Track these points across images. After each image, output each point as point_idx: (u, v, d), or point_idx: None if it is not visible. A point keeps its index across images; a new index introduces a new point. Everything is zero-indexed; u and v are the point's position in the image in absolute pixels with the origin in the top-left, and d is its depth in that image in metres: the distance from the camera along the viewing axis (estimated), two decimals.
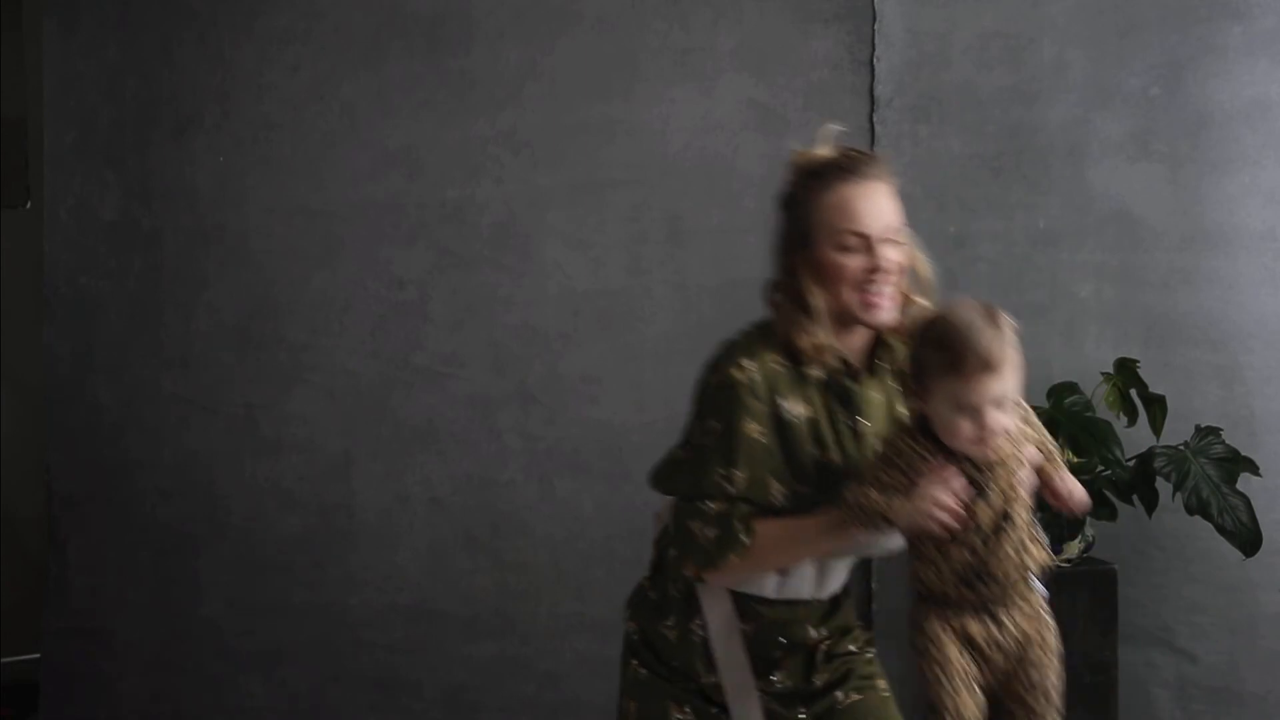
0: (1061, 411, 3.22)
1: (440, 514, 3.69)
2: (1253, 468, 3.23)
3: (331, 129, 3.71)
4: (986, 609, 2.03)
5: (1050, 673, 2.06)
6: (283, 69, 3.72)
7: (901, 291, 2.06)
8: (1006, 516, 1.99)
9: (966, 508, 1.95)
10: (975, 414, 1.92)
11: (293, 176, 3.72)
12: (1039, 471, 2.04)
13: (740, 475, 2.01)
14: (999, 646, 2.04)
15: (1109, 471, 3.18)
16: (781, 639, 2.13)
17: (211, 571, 3.72)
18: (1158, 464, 3.18)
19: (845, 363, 2.07)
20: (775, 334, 2.06)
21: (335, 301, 3.71)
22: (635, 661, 2.21)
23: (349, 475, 3.71)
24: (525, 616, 3.69)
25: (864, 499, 1.97)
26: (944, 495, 1.92)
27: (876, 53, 3.62)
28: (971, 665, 2.04)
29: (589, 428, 3.64)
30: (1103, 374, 3.38)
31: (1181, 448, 3.21)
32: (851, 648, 2.22)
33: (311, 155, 3.72)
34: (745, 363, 2.02)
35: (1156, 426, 3.28)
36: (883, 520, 1.96)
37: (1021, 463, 2.00)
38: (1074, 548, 3.29)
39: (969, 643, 2.04)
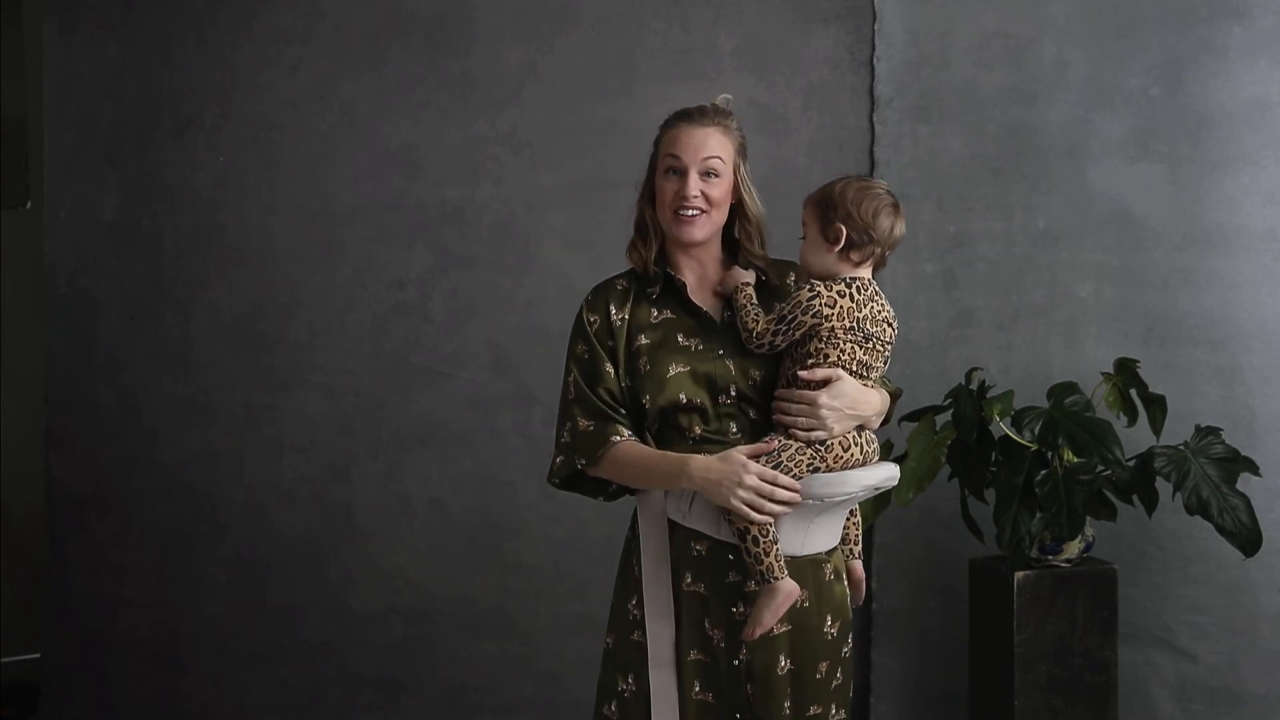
0: (1061, 411, 3.22)
1: (440, 514, 3.69)
2: (1253, 468, 3.22)
3: (331, 129, 3.71)
4: None
5: None
6: (283, 69, 3.72)
7: (714, 220, 2.32)
8: None
9: None
10: None
11: (293, 176, 3.72)
12: None
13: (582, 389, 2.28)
14: None
15: (1109, 471, 3.17)
16: (698, 548, 2.30)
17: (211, 571, 3.73)
18: (1158, 464, 3.18)
19: (672, 278, 2.32)
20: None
21: (335, 301, 3.71)
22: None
23: (349, 475, 3.71)
24: (525, 616, 3.69)
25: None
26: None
27: (876, 53, 3.62)
28: None
29: None
30: (1103, 374, 3.38)
31: (1181, 448, 3.21)
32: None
33: (311, 155, 3.72)
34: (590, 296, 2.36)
35: (1156, 426, 3.28)
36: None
37: None
38: (1074, 548, 3.29)
39: None
